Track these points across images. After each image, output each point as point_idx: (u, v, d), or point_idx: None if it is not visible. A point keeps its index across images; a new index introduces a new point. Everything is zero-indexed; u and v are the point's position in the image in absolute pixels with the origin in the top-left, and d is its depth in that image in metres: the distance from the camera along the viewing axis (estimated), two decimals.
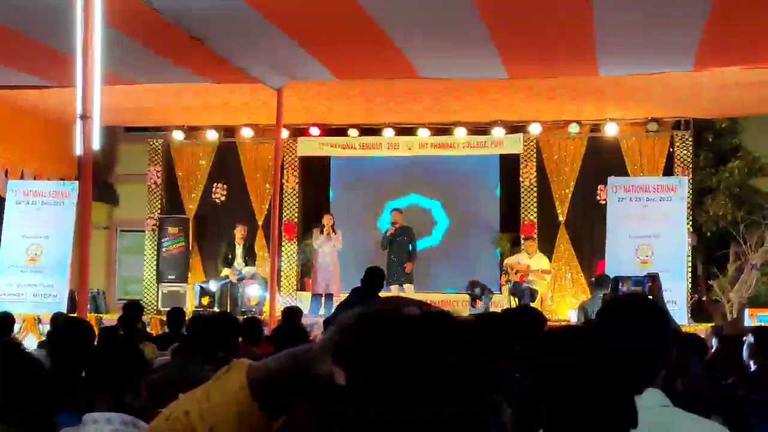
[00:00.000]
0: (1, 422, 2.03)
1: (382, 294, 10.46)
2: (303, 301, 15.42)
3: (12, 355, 2.20)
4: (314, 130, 16.20)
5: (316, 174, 17.23)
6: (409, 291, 14.62)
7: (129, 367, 3.40)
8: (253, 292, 14.99)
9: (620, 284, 9.45)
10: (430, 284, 15.60)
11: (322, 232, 14.92)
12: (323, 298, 14.87)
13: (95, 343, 5.16)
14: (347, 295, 15.32)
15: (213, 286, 15.22)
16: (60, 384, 2.21)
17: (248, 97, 13.57)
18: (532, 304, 12.79)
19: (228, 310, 13.75)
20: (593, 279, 13.81)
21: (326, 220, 14.95)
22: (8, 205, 14.40)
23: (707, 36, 9.49)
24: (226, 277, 14.92)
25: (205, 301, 14.93)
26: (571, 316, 13.98)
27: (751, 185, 15.65)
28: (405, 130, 16.12)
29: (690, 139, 15.45)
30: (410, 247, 15.02)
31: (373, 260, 16.11)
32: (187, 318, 9.22)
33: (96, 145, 8.45)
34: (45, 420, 2.12)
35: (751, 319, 13.41)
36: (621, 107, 14.67)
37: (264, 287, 14.52)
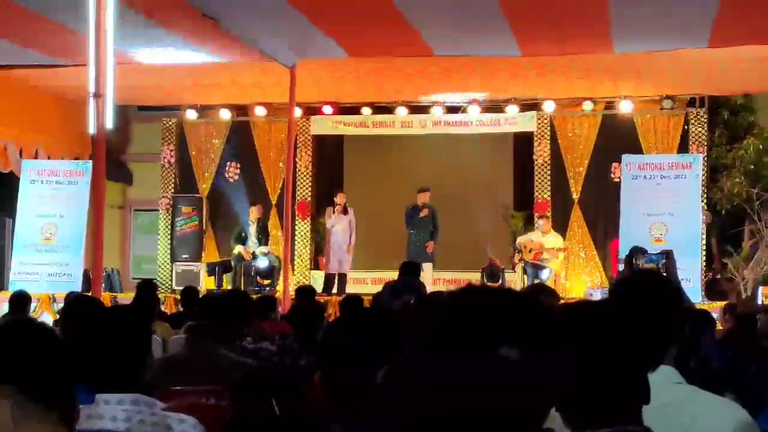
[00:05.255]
0: (20, 393, 2.03)
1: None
2: (316, 279, 15.44)
3: (30, 329, 2.21)
4: (327, 109, 16.15)
5: (329, 152, 17.21)
6: (428, 270, 14.52)
7: (137, 346, 3.40)
8: (263, 264, 14.89)
9: (635, 260, 9.34)
10: (444, 263, 15.53)
11: (334, 210, 14.84)
12: (336, 278, 14.86)
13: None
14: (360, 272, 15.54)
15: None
16: (76, 359, 2.22)
17: (261, 76, 13.54)
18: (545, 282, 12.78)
19: (241, 288, 13.74)
20: (624, 258, 13.32)
21: (339, 198, 14.84)
22: (23, 185, 14.41)
23: (722, 12, 9.41)
24: (239, 254, 14.88)
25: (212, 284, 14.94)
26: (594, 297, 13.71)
27: (766, 162, 15.47)
28: (418, 108, 16.08)
29: (705, 116, 15.37)
30: (432, 226, 14.73)
31: (387, 238, 16.18)
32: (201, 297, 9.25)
33: (109, 123, 8.47)
34: (65, 393, 2.13)
35: (765, 297, 13.34)
36: (635, 84, 14.58)
37: (277, 264, 14.52)
